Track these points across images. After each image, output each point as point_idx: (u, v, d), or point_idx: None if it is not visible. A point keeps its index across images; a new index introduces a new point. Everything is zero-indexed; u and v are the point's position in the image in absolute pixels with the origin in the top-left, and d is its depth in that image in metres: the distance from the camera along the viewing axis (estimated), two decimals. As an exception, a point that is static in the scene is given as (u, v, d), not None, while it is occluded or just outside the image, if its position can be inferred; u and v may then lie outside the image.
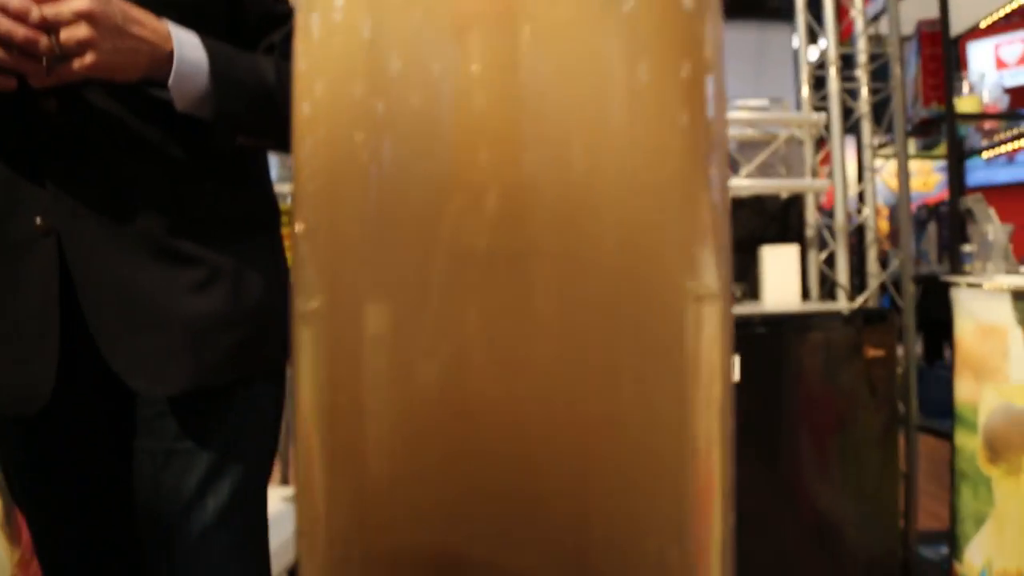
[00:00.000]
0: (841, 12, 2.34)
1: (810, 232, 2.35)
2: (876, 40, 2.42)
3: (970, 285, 1.69)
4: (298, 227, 0.35)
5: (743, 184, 2.18)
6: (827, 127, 2.29)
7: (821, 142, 2.43)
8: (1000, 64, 3.28)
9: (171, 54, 0.73)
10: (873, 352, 1.86)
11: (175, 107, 0.75)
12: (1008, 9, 2.27)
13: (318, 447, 0.33)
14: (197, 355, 0.78)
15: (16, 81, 0.69)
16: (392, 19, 0.34)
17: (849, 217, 2.30)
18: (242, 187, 0.86)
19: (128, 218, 0.77)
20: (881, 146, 2.37)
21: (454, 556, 0.32)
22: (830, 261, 2.31)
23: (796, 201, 2.36)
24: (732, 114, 2.25)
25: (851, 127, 2.32)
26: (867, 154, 2.30)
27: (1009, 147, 2.54)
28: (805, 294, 2.27)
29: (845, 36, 2.41)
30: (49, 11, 0.66)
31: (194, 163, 0.80)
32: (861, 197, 2.33)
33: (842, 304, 2.18)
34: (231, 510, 0.81)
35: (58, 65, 0.68)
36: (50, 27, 0.66)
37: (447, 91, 0.33)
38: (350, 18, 0.34)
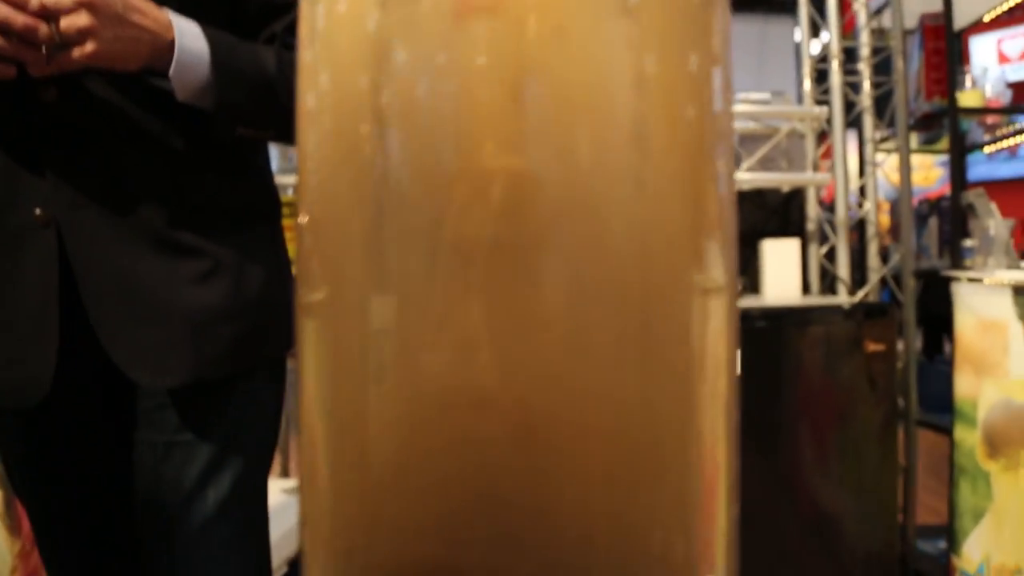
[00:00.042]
0: (844, 5, 2.33)
1: (811, 226, 2.34)
2: (879, 33, 2.41)
3: (971, 280, 1.69)
4: (302, 218, 0.35)
5: (744, 178, 2.17)
6: (829, 121, 2.28)
7: (822, 136, 2.43)
8: (1003, 59, 3.28)
9: (172, 43, 0.72)
10: (873, 346, 1.86)
11: (176, 97, 0.75)
12: (1011, 3, 2.26)
13: (322, 439, 0.33)
14: (198, 347, 0.78)
15: (15, 69, 0.68)
16: (397, 10, 0.33)
17: (850, 211, 2.30)
18: (242, 178, 0.86)
19: (128, 209, 0.76)
20: (883, 140, 2.37)
21: (458, 547, 0.32)
22: (831, 255, 2.31)
23: (797, 195, 2.36)
24: (734, 107, 2.24)
25: (853, 121, 2.31)
26: (869, 148, 2.29)
27: (1011, 142, 2.54)
28: (806, 288, 2.27)
29: (848, 29, 2.40)
30: (49, -1, 0.65)
31: (195, 154, 0.80)
32: (862, 191, 2.32)
33: (842, 298, 2.18)
34: (231, 502, 0.81)
35: (58, 54, 0.67)
36: (50, 15, 0.66)
37: (453, 83, 0.33)
38: (355, 9, 0.34)
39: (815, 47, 2.50)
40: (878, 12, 2.38)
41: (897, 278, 2.24)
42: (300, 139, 0.35)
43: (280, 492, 1.98)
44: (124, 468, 0.82)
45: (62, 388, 0.76)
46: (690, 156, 0.36)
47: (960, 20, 2.29)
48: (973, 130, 2.68)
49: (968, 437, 1.67)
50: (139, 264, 0.76)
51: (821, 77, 2.39)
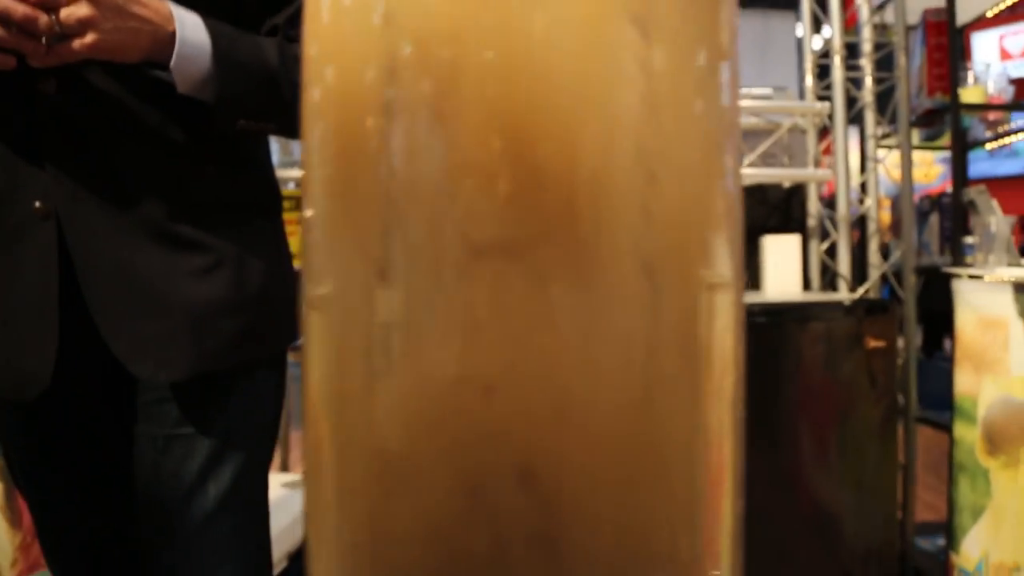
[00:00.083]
0: (846, 1, 2.33)
1: (812, 222, 2.34)
2: (881, 29, 2.41)
3: (972, 277, 1.68)
4: (307, 212, 0.34)
5: (745, 173, 2.17)
6: (830, 116, 2.28)
7: (824, 132, 2.42)
8: (1005, 55, 3.27)
9: (173, 35, 0.72)
10: (874, 343, 1.86)
11: (176, 89, 0.74)
12: (1014, -1, 2.25)
13: (327, 433, 0.33)
14: (198, 341, 0.78)
15: (15, 60, 0.68)
16: (403, 3, 0.33)
17: (851, 207, 2.30)
18: (243, 171, 0.85)
19: (128, 201, 0.76)
20: (884, 136, 2.36)
21: (465, 540, 0.31)
22: (831, 251, 2.31)
23: (798, 191, 2.35)
24: (736, 103, 2.23)
25: (854, 117, 2.31)
26: (870, 144, 2.29)
27: (1013, 138, 2.54)
28: (806, 284, 2.27)
29: (850, 24, 2.40)
30: (49, -11, 0.65)
31: (195, 146, 0.79)
32: (863, 187, 2.32)
33: (843, 295, 2.18)
34: (232, 496, 0.81)
35: (58, 44, 0.67)
36: (50, 5, 0.65)
37: (459, 77, 0.32)
38: (361, 2, 0.34)
39: (817, 42, 2.50)
40: (880, 7, 2.37)
41: (898, 275, 2.24)
42: (305, 133, 0.35)
43: (280, 486, 1.98)
44: (125, 461, 0.82)
45: (62, 381, 0.76)
46: (698, 151, 0.36)
47: (962, 16, 2.28)
48: (975, 126, 2.68)
49: (968, 434, 1.67)
50: (139, 257, 0.76)
51: (823, 72, 2.39)
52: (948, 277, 1.76)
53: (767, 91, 2.42)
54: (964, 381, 1.69)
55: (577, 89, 0.33)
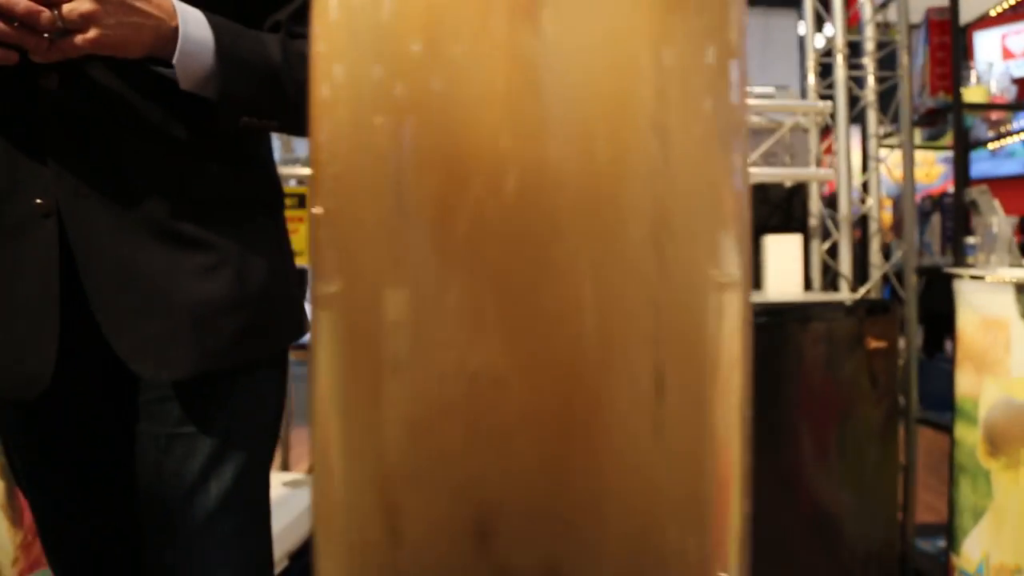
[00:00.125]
0: None
1: (813, 222, 2.34)
2: (883, 28, 2.40)
3: (973, 277, 1.68)
4: (316, 210, 0.34)
5: (747, 172, 2.17)
6: (832, 115, 2.27)
7: (826, 131, 2.42)
8: (1007, 54, 3.27)
9: (176, 31, 0.72)
10: (875, 343, 1.86)
11: (179, 86, 0.74)
12: (1017, -1, 2.25)
13: (336, 432, 0.33)
14: (200, 340, 0.77)
15: (17, 55, 0.67)
16: (412, 0, 0.33)
17: (852, 207, 2.29)
18: (246, 168, 0.85)
19: (131, 198, 0.76)
20: (886, 136, 2.36)
21: (474, 536, 0.31)
22: (833, 251, 2.31)
23: (800, 190, 2.35)
24: (738, 101, 2.23)
25: (856, 116, 2.30)
26: (872, 144, 2.28)
27: (1016, 138, 2.53)
28: (807, 284, 2.27)
29: (852, 23, 2.39)
30: (52, -16, 0.64)
31: (198, 143, 0.79)
32: (865, 187, 2.32)
33: (844, 295, 2.18)
34: (234, 495, 0.80)
35: (60, 40, 0.66)
36: (53, 0, 0.65)
37: (468, 74, 0.32)
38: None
39: (819, 41, 2.49)
40: (883, 6, 2.37)
41: (899, 275, 2.24)
42: (314, 130, 0.35)
43: (281, 485, 1.98)
44: (126, 460, 0.82)
45: (63, 380, 0.76)
46: (708, 149, 0.36)
47: (965, 15, 2.27)
48: (977, 126, 2.68)
49: (969, 435, 1.67)
50: (141, 255, 0.76)
51: (825, 71, 2.38)
52: (950, 277, 1.76)
53: (769, 90, 2.42)
54: (965, 382, 1.69)
55: (587, 86, 0.33)
